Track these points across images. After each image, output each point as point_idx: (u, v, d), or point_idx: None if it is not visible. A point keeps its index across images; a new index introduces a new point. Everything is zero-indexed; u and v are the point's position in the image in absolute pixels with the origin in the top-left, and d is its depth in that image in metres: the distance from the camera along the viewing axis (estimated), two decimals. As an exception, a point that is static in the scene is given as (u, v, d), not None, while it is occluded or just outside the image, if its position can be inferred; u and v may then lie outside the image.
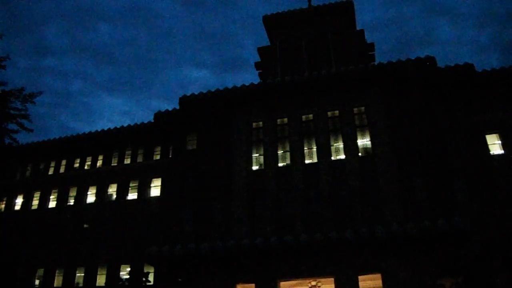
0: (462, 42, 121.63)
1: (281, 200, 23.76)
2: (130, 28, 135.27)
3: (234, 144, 25.97)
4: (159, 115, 28.45)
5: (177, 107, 28.22)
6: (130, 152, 31.71)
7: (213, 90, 27.09)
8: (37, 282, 29.24)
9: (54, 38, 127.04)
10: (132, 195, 29.87)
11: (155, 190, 29.35)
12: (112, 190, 30.77)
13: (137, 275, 24.08)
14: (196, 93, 27.16)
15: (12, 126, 24.12)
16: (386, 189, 22.26)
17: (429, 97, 24.93)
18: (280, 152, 25.43)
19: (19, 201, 33.24)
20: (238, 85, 26.68)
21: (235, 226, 23.33)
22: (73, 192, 31.66)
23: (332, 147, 24.70)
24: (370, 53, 33.22)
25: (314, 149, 24.87)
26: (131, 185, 30.20)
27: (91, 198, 31.10)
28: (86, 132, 32.67)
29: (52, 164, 33.76)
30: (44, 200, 32.22)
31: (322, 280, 19.51)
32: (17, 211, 32.72)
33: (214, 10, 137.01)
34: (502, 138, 24.03)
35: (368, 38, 41.72)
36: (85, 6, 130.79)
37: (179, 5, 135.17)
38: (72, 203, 31.25)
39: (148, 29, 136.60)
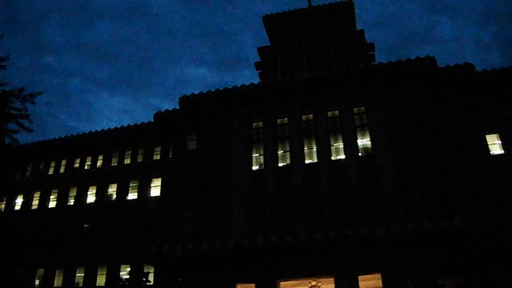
0: (463, 40, 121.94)
1: (281, 200, 23.73)
2: (130, 25, 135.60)
3: (234, 144, 25.97)
4: (159, 115, 28.46)
5: (177, 105, 28.24)
6: (130, 152, 31.74)
7: (213, 90, 27.08)
8: (37, 282, 29.27)
9: (52, 36, 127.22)
10: (132, 195, 29.89)
11: (155, 190, 29.37)
12: (112, 190, 30.79)
13: (137, 275, 24.09)
14: (196, 92, 27.19)
15: (12, 126, 24.07)
16: (386, 189, 22.25)
17: (429, 96, 24.93)
18: (280, 152, 25.43)
19: (19, 201, 33.26)
20: (238, 85, 26.77)
21: (235, 226, 23.32)
22: (73, 192, 31.69)
23: (332, 147, 24.70)
24: (370, 52, 33.21)
25: (314, 149, 24.86)
26: (131, 185, 30.23)
27: (91, 198, 31.11)
28: (86, 132, 32.70)
29: (52, 164, 33.78)
30: (44, 200, 32.23)
31: (322, 280, 19.52)
32: (17, 211, 32.75)
33: (214, 8, 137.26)
34: (502, 138, 24.04)
35: (368, 36, 41.76)
36: (84, 3, 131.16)
37: (179, 2, 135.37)
38: (72, 203, 31.28)
39: (148, 27, 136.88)
